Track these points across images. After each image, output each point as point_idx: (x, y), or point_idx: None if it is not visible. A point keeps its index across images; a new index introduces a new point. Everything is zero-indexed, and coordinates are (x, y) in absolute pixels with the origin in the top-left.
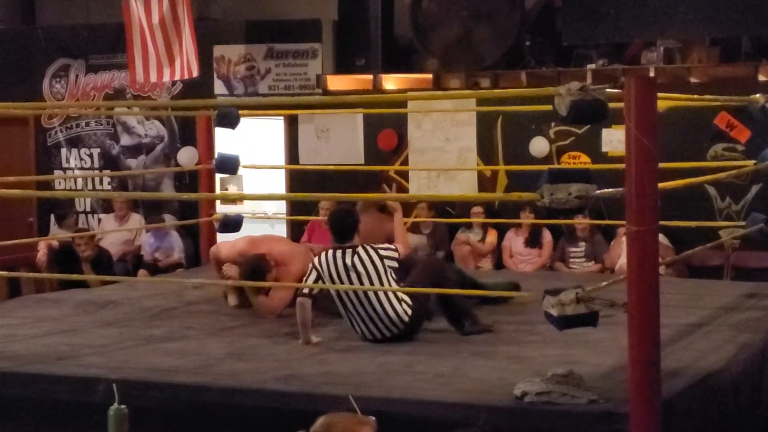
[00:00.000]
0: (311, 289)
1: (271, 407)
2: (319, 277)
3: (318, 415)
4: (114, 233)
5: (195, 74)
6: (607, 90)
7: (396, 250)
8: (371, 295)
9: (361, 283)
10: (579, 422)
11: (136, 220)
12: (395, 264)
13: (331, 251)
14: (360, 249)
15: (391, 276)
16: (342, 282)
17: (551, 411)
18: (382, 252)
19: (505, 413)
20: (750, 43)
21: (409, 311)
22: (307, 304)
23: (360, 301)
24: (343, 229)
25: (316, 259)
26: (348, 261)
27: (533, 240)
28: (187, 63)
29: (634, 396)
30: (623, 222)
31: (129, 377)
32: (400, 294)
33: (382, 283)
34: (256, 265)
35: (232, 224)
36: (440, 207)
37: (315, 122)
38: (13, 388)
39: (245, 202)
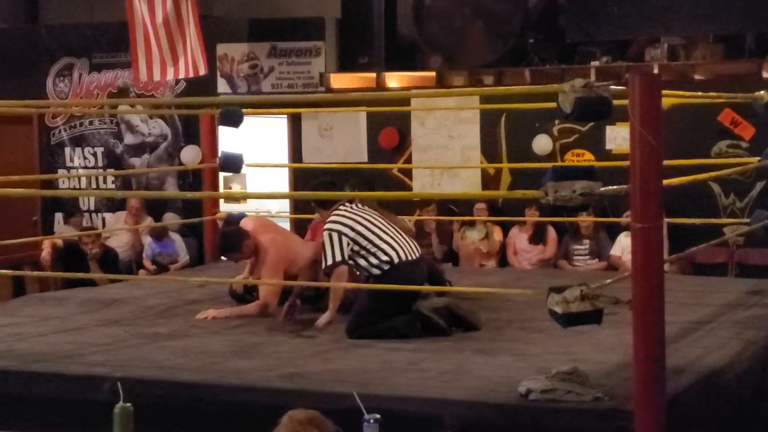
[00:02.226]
0: (343, 257)
1: (276, 405)
2: (340, 235)
3: (323, 412)
4: (123, 237)
5: (202, 72)
6: (611, 87)
7: None
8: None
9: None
10: (584, 420)
11: (148, 222)
12: None
13: (341, 208)
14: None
15: None
16: (364, 218)
17: (556, 408)
18: None
19: (510, 411)
20: (754, 39)
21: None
22: (345, 272)
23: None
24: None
25: (331, 224)
26: (356, 205)
27: (537, 237)
28: (192, 61)
29: (639, 393)
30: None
31: (134, 375)
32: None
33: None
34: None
35: (236, 223)
36: (444, 205)
37: (318, 120)
38: (19, 387)
39: (249, 200)
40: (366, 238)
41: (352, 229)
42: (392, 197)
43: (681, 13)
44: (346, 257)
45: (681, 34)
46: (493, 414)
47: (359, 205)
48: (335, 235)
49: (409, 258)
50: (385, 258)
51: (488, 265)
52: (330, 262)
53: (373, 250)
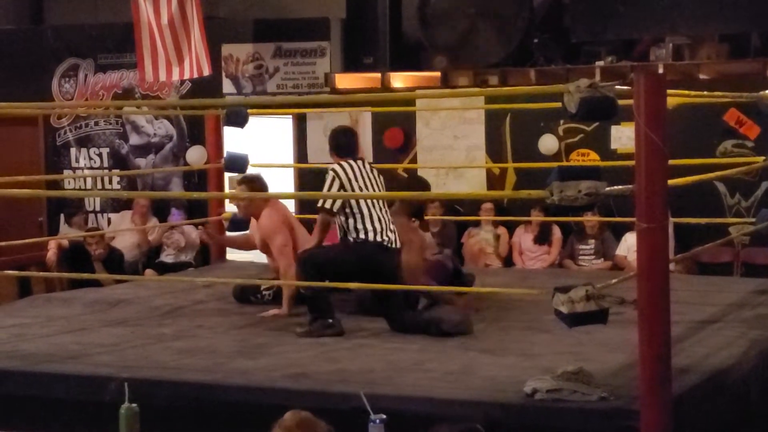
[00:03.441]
0: (332, 206)
1: (281, 405)
2: (341, 186)
3: (328, 412)
4: (129, 238)
5: (206, 73)
6: (617, 87)
7: None
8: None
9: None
10: (589, 419)
11: (153, 223)
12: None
13: (350, 161)
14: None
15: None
16: (365, 185)
17: (562, 408)
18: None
19: (516, 410)
20: (759, 39)
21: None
22: (327, 221)
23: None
24: (353, 143)
25: (337, 168)
26: (368, 167)
27: (542, 237)
28: (197, 62)
29: (645, 393)
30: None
31: (140, 376)
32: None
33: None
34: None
35: (241, 223)
36: (449, 205)
37: (323, 121)
38: (25, 388)
39: None
40: (357, 202)
41: (350, 184)
42: (397, 197)
43: (686, 13)
44: (335, 209)
45: (686, 34)
46: (498, 414)
47: (370, 168)
48: (337, 181)
49: (384, 242)
50: (361, 227)
51: (493, 265)
52: (320, 204)
53: (358, 214)
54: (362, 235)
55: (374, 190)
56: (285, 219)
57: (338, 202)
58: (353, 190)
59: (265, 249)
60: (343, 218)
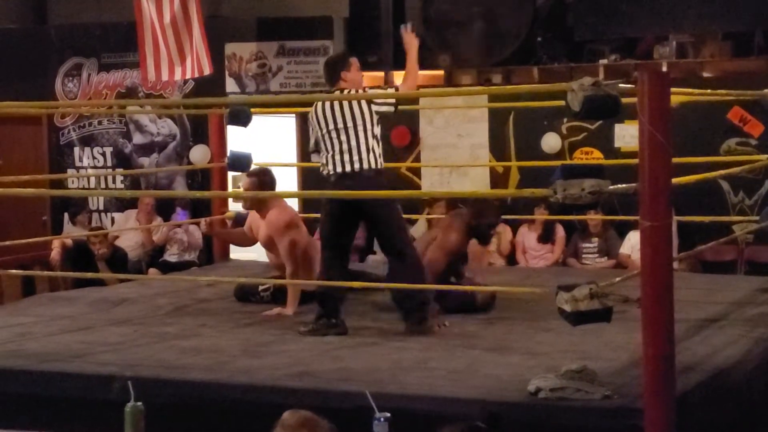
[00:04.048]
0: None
1: (286, 404)
2: (312, 127)
3: (332, 411)
4: (133, 237)
5: (207, 72)
6: (620, 85)
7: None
8: (350, 131)
9: (343, 120)
10: (593, 418)
11: (158, 222)
12: (388, 108)
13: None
14: (346, 91)
15: (375, 123)
16: (326, 119)
17: (565, 407)
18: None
19: (519, 409)
20: (763, 37)
21: (374, 164)
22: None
23: (338, 134)
24: (331, 72)
25: (312, 109)
26: (328, 104)
27: (546, 236)
28: (197, 61)
29: (648, 391)
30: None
31: (144, 375)
32: (372, 144)
33: (364, 125)
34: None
35: (245, 222)
36: (453, 204)
37: None
38: (29, 387)
39: None
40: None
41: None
42: (401, 195)
43: (690, 11)
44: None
45: (690, 32)
46: (502, 412)
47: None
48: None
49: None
50: (325, 162)
51: (497, 263)
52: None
53: (323, 151)
54: (327, 169)
55: (338, 122)
56: (293, 218)
57: (314, 143)
58: (318, 127)
59: (269, 245)
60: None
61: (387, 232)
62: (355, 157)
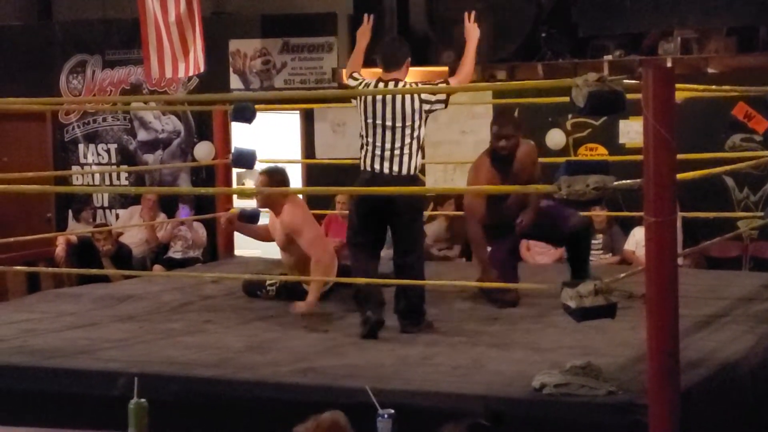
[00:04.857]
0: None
1: (290, 400)
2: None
3: (337, 407)
4: (138, 234)
5: (201, 69)
6: (625, 81)
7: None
8: (397, 131)
9: (393, 117)
10: (597, 414)
11: (161, 219)
12: (440, 106)
13: (374, 81)
14: (400, 84)
15: (423, 123)
16: (375, 108)
17: (570, 403)
18: (424, 96)
19: (524, 405)
20: (767, 32)
21: (412, 170)
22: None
23: (384, 131)
24: (391, 56)
25: (360, 85)
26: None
27: None
28: (194, 58)
29: (653, 387)
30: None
31: (148, 371)
32: (414, 147)
33: (412, 125)
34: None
35: (249, 218)
36: (459, 201)
37: (331, 116)
38: (34, 383)
39: None
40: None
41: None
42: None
43: (694, 6)
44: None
45: (694, 28)
46: (507, 408)
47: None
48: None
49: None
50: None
51: None
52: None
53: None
54: (364, 164)
55: (387, 119)
56: (306, 213)
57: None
58: (364, 114)
59: (286, 244)
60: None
61: (407, 240)
62: (395, 161)
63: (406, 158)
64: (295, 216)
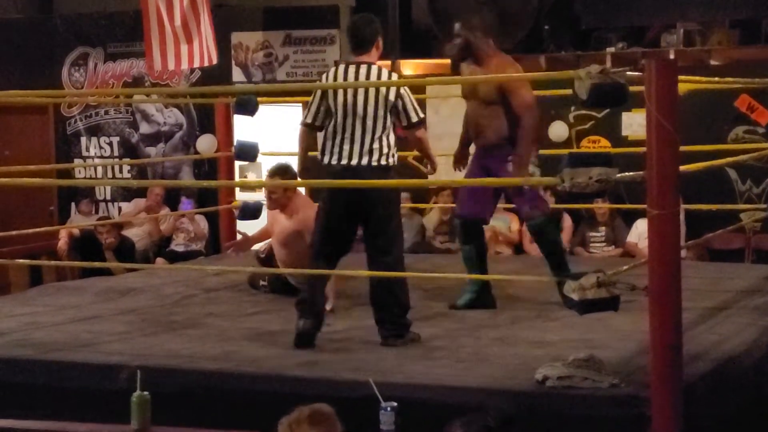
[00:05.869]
0: (310, 120)
1: (292, 393)
2: (322, 96)
3: (339, 400)
4: (140, 227)
5: (214, 62)
6: (627, 73)
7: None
8: (359, 118)
9: (365, 104)
10: (600, 406)
11: (165, 212)
12: (404, 105)
13: (342, 66)
14: (374, 68)
15: (389, 117)
16: (338, 96)
17: (572, 395)
18: (394, 90)
19: (527, 398)
20: None
21: (383, 161)
22: (303, 134)
23: (345, 119)
24: (359, 37)
25: (324, 75)
26: (351, 76)
27: None
28: (206, 50)
29: (656, 380)
30: (644, 206)
31: (151, 364)
32: (385, 142)
33: (376, 115)
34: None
35: (252, 211)
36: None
37: None
38: (36, 376)
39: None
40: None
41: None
42: (407, 185)
43: None
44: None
45: (697, 20)
46: (509, 401)
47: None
48: (319, 93)
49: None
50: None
51: (504, 252)
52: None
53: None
54: (326, 159)
55: (357, 108)
56: (314, 207)
57: (314, 116)
58: (330, 103)
59: (290, 240)
60: (321, 137)
61: (384, 237)
62: (365, 149)
63: (376, 148)
64: (312, 212)
